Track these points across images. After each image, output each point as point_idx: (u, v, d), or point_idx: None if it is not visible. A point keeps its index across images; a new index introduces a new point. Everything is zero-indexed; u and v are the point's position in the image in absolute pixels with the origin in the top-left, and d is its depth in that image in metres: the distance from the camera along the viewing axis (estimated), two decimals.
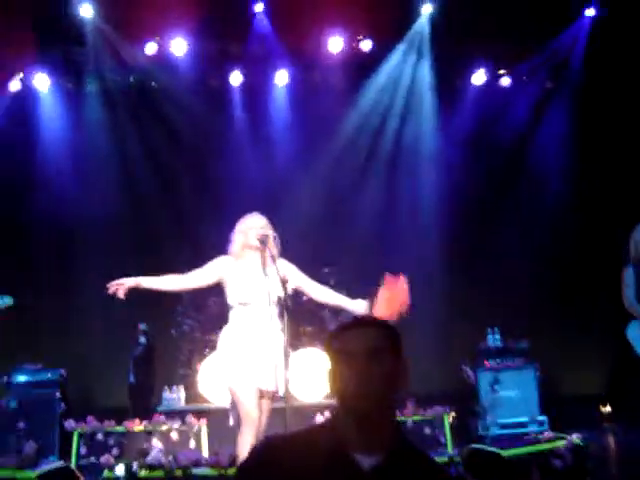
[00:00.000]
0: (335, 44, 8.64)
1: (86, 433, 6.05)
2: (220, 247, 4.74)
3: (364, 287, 4.90)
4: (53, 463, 5.80)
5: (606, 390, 8.53)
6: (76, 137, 8.79)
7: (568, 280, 8.66)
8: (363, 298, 4.75)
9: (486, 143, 9.13)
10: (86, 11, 8.05)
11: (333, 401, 5.45)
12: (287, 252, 4.76)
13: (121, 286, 4.51)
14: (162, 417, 6.19)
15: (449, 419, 6.44)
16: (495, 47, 8.87)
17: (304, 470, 1.83)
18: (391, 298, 4.50)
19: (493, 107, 9.21)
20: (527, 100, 9.34)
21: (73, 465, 5.81)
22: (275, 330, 4.50)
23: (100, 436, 6.05)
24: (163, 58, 8.56)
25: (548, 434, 6.25)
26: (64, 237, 8.56)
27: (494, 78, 9.27)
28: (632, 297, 5.97)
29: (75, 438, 6.02)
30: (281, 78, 9.03)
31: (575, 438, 5.84)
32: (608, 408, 8.09)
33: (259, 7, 8.42)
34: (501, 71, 9.25)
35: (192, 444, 6.06)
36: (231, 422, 4.97)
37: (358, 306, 4.68)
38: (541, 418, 6.92)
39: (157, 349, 7.68)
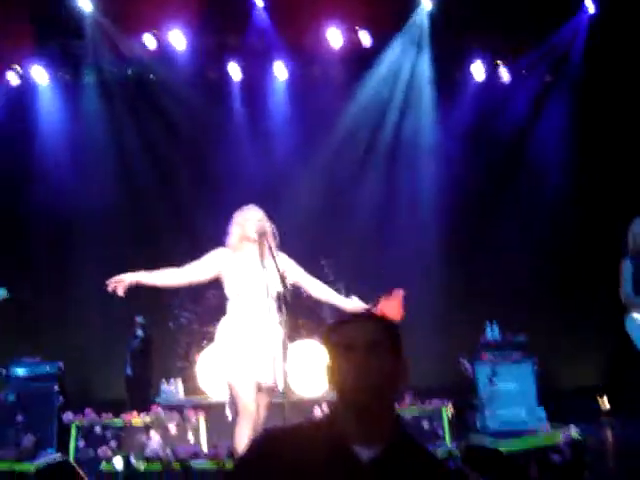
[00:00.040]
0: (334, 37, 8.61)
1: (84, 426, 6.04)
2: (218, 239, 4.73)
3: (363, 280, 4.90)
4: (52, 457, 5.80)
5: (604, 383, 8.54)
6: (74, 130, 8.79)
7: (567, 273, 8.67)
8: (361, 294, 4.74)
9: (486, 136, 9.12)
10: (84, 4, 8.04)
11: (332, 395, 5.44)
12: (286, 245, 4.75)
13: (120, 283, 4.48)
14: (160, 409, 6.19)
15: (447, 412, 6.43)
16: (495, 41, 8.87)
17: (303, 462, 1.83)
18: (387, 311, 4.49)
19: (493, 101, 9.20)
20: (527, 94, 9.33)
21: (71, 458, 5.81)
22: (273, 322, 4.48)
23: (98, 429, 6.04)
24: (161, 51, 8.56)
25: (546, 428, 6.25)
26: (62, 229, 8.56)
27: (494, 71, 9.25)
28: (629, 289, 5.95)
29: (73, 431, 6.01)
30: (280, 71, 9.01)
31: (573, 432, 5.84)
32: (606, 401, 8.10)
33: (259, 0, 8.39)
34: (498, 62, 9.23)
35: (190, 437, 6.06)
36: (229, 415, 4.95)
37: (354, 306, 4.68)
38: (539, 411, 6.92)
39: (154, 341, 7.69)
